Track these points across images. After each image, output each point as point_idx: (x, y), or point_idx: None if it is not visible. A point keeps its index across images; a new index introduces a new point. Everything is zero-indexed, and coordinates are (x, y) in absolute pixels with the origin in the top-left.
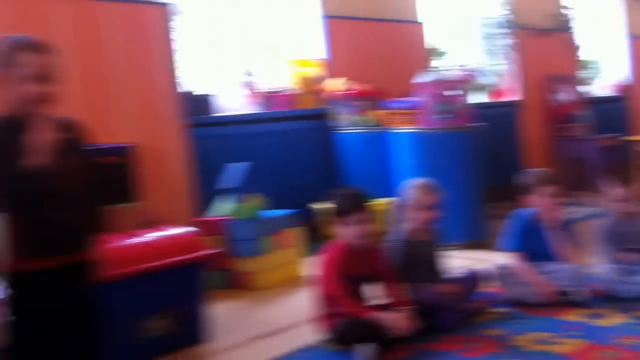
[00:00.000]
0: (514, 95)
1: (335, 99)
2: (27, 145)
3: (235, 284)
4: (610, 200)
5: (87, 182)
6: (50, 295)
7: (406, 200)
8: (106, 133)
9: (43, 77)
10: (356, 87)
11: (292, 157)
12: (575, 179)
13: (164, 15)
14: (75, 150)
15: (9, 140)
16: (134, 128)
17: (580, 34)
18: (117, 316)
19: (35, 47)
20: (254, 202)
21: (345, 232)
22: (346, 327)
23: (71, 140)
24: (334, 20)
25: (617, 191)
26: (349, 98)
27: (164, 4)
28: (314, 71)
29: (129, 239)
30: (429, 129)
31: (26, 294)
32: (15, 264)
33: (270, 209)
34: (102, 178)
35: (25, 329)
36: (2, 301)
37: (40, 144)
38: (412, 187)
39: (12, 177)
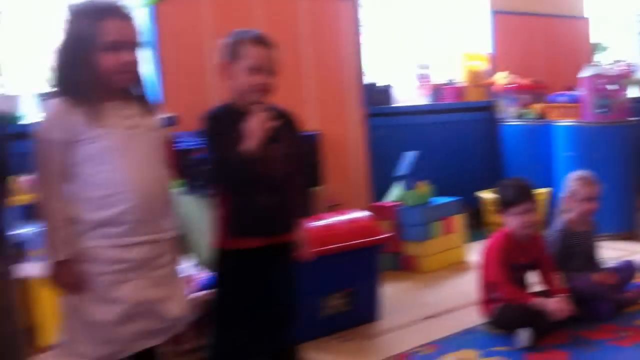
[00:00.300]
0: None
1: (500, 92)
2: (245, 131)
3: (404, 267)
4: None
5: (296, 168)
6: (255, 272)
7: (567, 192)
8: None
9: (266, 70)
10: (520, 80)
11: (459, 147)
12: None
13: (353, 8)
14: (289, 138)
15: (228, 127)
16: (321, 116)
17: None
18: (304, 293)
19: (260, 40)
20: (423, 189)
21: (510, 222)
22: (507, 312)
23: (286, 127)
24: (501, 15)
25: None
26: (512, 91)
27: None
28: (481, 65)
29: (315, 221)
30: (588, 122)
31: (233, 270)
32: (224, 243)
33: (438, 196)
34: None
35: (231, 301)
36: (192, 278)
37: (256, 131)
38: (574, 179)
39: (229, 162)
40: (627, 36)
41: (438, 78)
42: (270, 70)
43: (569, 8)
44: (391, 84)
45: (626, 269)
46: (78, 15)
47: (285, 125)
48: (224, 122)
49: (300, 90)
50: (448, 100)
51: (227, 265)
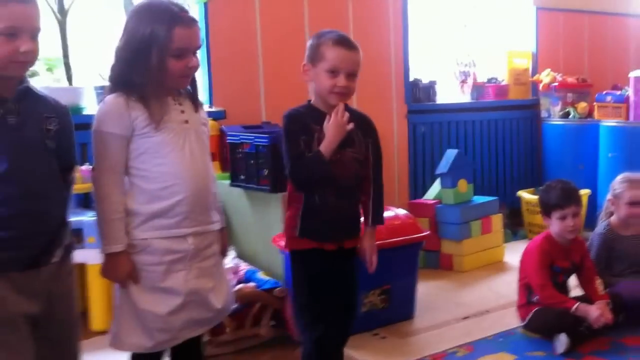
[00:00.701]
0: None
1: (543, 90)
2: (323, 133)
3: (442, 265)
4: None
5: (369, 173)
6: (325, 270)
7: (612, 194)
8: None
9: (346, 72)
10: (564, 78)
11: (500, 146)
12: None
13: (401, 3)
14: (364, 142)
15: (307, 128)
16: (364, 111)
17: None
18: None
19: (342, 42)
20: (462, 188)
21: (553, 225)
22: (546, 316)
23: (362, 132)
24: (545, 12)
25: None
26: (556, 89)
27: None
28: (524, 62)
29: None
30: (635, 122)
31: (304, 269)
32: (293, 243)
33: (478, 195)
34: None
35: (312, 300)
36: (235, 269)
37: (335, 132)
38: (619, 180)
39: (305, 161)
40: None
41: (481, 76)
42: (351, 72)
43: (619, 5)
44: (436, 81)
45: None
46: (150, 18)
47: (361, 130)
48: (302, 122)
49: None
50: (490, 98)
51: (303, 264)
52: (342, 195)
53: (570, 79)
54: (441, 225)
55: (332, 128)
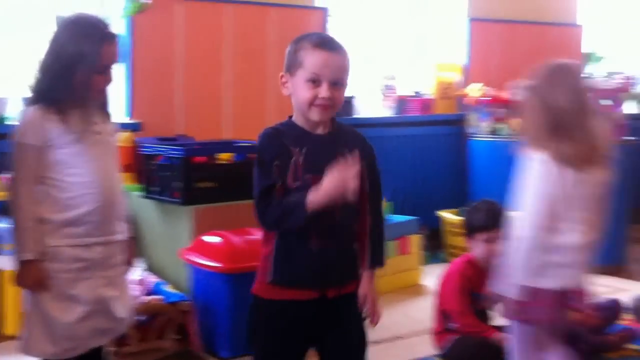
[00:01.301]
0: None
1: (472, 105)
2: (302, 159)
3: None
4: None
5: (365, 204)
6: (301, 330)
7: None
8: (257, 130)
9: (329, 80)
10: (495, 93)
11: (422, 163)
12: None
13: (322, 17)
14: (364, 170)
15: (284, 150)
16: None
17: None
18: (236, 307)
19: (328, 45)
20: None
21: (475, 248)
22: (464, 345)
23: (355, 154)
24: (479, 23)
25: None
26: (486, 105)
27: (321, 8)
28: (452, 76)
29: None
30: None
31: (273, 325)
32: (264, 289)
33: (395, 214)
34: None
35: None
36: (142, 281)
37: (334, 187)
38: None
39: (281, 205)
40: (628, 46)
41: (405, 89)
42: (336, 80)
43: (558, 14)
44: (354, 95)
45: (610, 309)
46: (79, 34)
47: (350, 149)
48: (278, 142)
49: (263, 100)
50: (414, 112)
51: (264, 317)
52: (328, 232)
53: (502, 94)
54: None
55: (334, 180)
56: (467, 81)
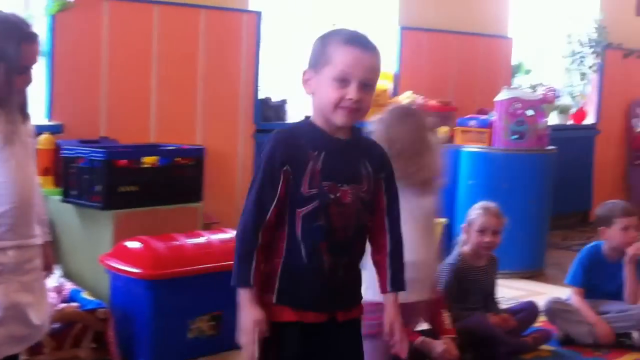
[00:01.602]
0: (594, 119)
1: None
2: (320, 164)
3: None
4: None
5: (384, 218)
6: (307, 353)
7: (467, 221)
8: (185, 134)
9: (363, 83)
10: (426, 101)
11: None
12: None
13: (254, 22)
14: (374, 177)
15: (300, 154)
16: (210, 130)
17: None
18: (168, 314)
19: (361, 42)
20: None
21: None
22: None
23: (370, 162)
24: (410, 31)
25: None
26: None
27: (254, 12)
28: (384, 84)
29: (188, 238)
30: (499, 149)
31: (275, 349)
32: (269, 312)
33: None
34: (175, 178)
35: None
36: (60, 288)
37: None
38: (475, 208)
39: (293, 202)
40: (555, 59)
41: None
42: (366, 82)
43: (489, 26)
44: (287, 100)
45: (527, 311)
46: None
47: (371, 161)
48: (294, 145)
49: (192, 103)
50: None
51: (271, 342)
52: (339, 250)
53: (432, 102)
54: None
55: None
56: (397, 89)
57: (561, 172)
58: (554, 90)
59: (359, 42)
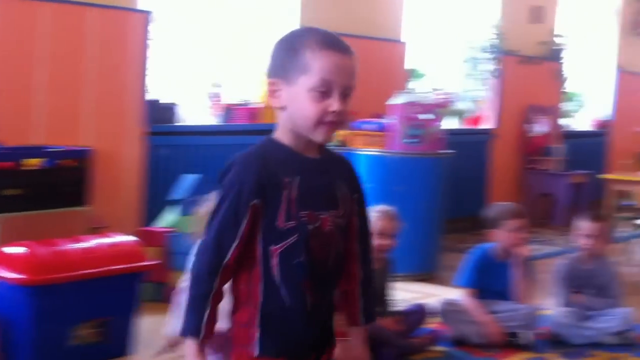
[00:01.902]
0: (490, 124)
1: None
2: (296, 191)
3: (169, 298)
4: (577, 236)
5: (355, 244)
6: None
7: None
8: (70, 135)
9: (345, 92)
10: None
11: None
12: (542, 215)
13: (143, 22)
14: (349, 198)
15: (273, 184)
16: (97, 131)
17: (570, 65)
18: (51, 321)
19: (339, 45)
20: (200, 216)
21: None
22: None
23: (344, 182)
24: None
25: (585, 226)
26: None
27: (144, 11)
28: None
29: (72, 243)
30: (394, 152)
31: None
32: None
33: None
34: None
35: None
36: None
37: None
38: (374, 212)
39: (267, 238)
40: (448, 64)
41: (234, 98)
42: (348, 90)
43: (383, 30)
44: (177, 102)
45: (416, 314)
46: None
47: (343, 180)
48: (265, 173)
49: (78, 104)
50: (241, 121)
51: None
52: (322, 286)
53: None
54: (176, 256)
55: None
56: None
57: (457, 176)
58: (450, 95)
59: (337, 44)
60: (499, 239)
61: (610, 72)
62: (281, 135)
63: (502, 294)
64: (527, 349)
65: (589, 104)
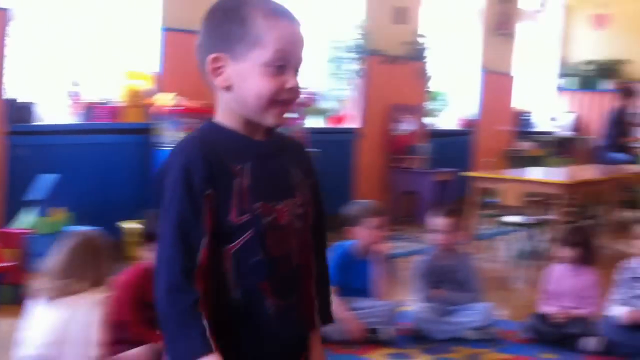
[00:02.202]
0: (354, 122)
1: (162, 115)
2: (248, 178)
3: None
4: (431, 232)
5: (313, 237)
6: None
7: None
8: None
9: (297, 66)
10: (186, 103)
11: (106, 172)
12: (405, 213)
13: (2, 19)
14: (306, 184)
15: (222, 171)
16: None
17: (433, 65)
18: None
19: (288, 14)
20: (58, 217)
21: (151, 256)
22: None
23: (299, 167)
24: (174, 33)
25: (438, 222)
26: (176, 114)
27: (3, 9)
28: (143, 84)
29: None
30: None
31: None
32: None
33: (76, 225)
34: None
35: None
36: None
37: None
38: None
39: (218, 236)
40: (314, 63)
41: (94, 96)
42: (299, 65)
43: None
44: (36, 101)
45: None
46: None
47: (299, 165)
48: (213, 160)
49: None
50: (102, 120)
51: None
52: (285, 288)
53: (194, 104)
54: (33, 257)
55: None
56: (160, 90)
57: (321, 175)
58: (313, 94)
59: (288, 13)
60: (359, 236)
61: (475, 72)
62: (224, 117)
63: (363, 291)
64: (387, 344)
65: (454, 103)
